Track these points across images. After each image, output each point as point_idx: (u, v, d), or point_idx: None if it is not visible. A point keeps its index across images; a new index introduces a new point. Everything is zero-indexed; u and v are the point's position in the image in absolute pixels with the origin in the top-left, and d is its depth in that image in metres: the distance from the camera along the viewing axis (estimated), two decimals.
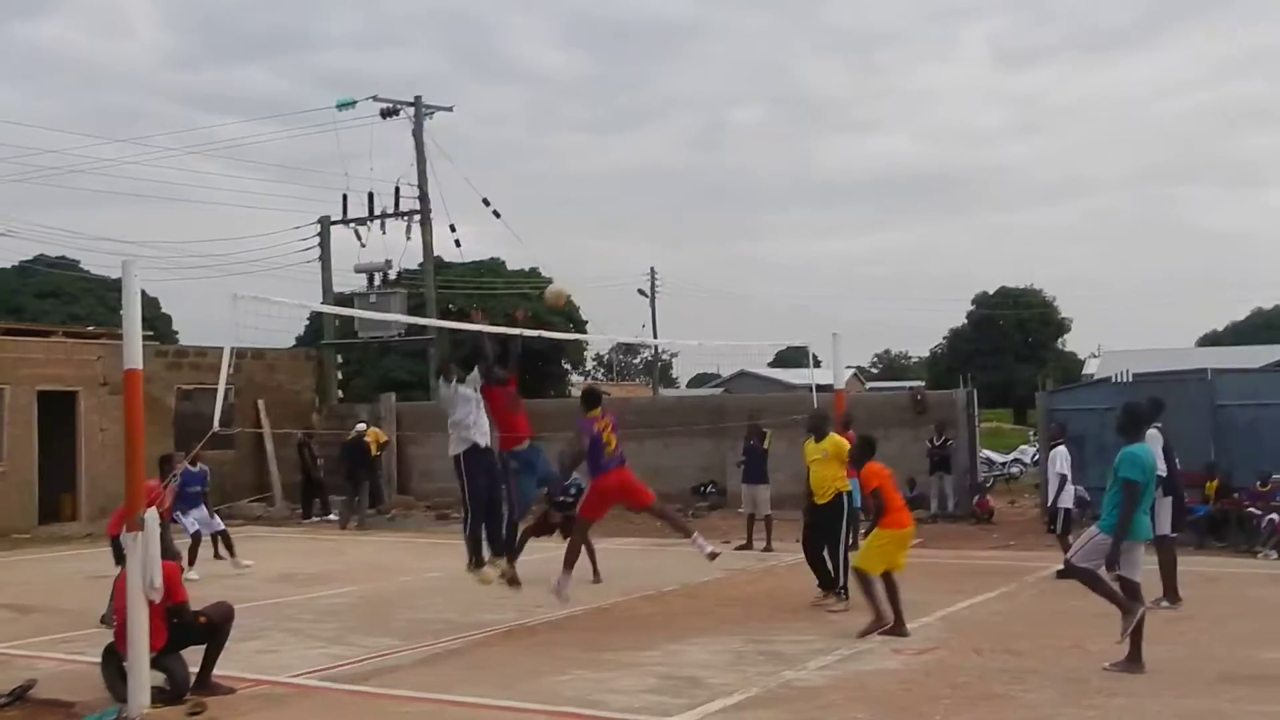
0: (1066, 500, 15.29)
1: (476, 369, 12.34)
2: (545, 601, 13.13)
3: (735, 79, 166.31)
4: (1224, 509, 18.14)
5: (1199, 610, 12.00)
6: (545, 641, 11.15)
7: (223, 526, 17.07)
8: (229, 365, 9.73)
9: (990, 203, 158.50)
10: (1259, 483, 18.12)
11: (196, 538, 16.22)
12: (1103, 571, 9.30)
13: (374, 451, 24.73)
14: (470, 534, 12.25)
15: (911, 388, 35.73)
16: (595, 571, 14.59)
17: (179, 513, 15.59)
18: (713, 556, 11.88)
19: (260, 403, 27.63)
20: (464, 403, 12.02)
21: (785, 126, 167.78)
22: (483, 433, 12.09)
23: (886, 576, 11.04)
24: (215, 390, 9.95)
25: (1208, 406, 20.52)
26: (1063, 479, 15.28)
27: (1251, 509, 17.63)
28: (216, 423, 10.46)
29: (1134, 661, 9.24)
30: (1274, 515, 17.21)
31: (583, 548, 13.17)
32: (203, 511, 16.53)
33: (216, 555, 16.72)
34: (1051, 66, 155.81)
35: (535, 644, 11.04)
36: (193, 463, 16.11)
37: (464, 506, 12.45)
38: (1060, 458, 15.43)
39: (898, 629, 10.86)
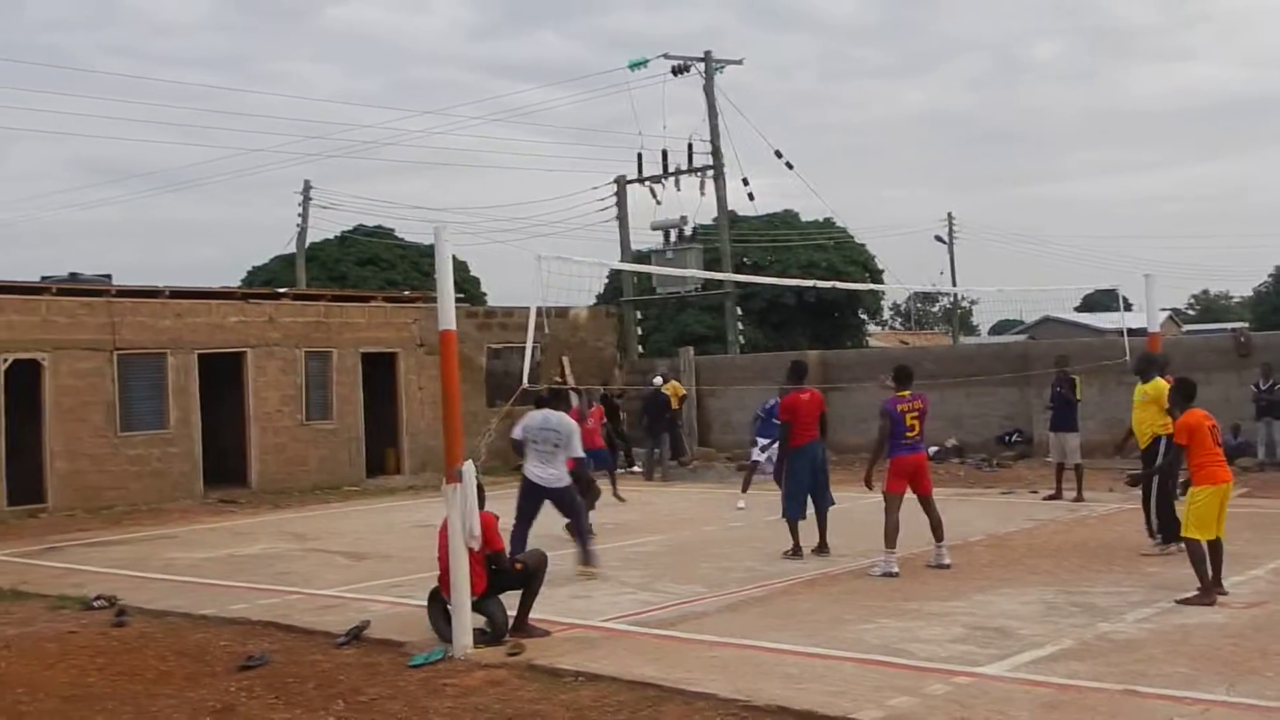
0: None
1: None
2: (849, 550, 13.14)
3: (1031, 14, 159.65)
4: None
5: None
6: (850, 590, 11.14)
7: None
8: (535, 324, 10.06)
9: None
10: None
11: (754, 466, 18.60)
12: None
13: (674, 405, 25.16)
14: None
15: (1234, 329, 33.61)
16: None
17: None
18: (890, 575, 11.70)
19: (565, 359, 28.55)
20: None
21: (1086, 61, 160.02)
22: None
23: (1213, 542, 10.13)
24: (523, 348, 10.36)
25: None
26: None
27: None
28: (526, 379, 10.92)
29: None
30: None
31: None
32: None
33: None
34: None
35: (840, 593, 11.04)
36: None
37: None
38: None
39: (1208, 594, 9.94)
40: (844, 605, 10.38)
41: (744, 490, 18.05)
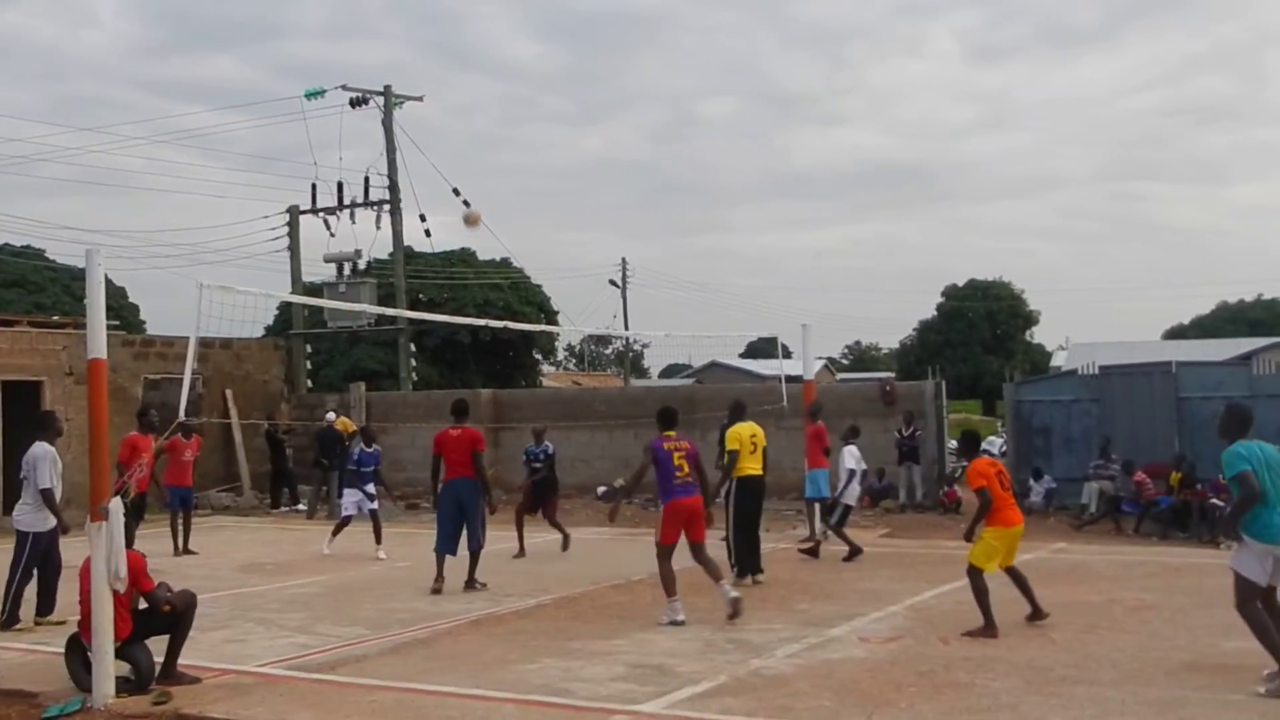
0: (850, 498, 16.06)
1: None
2: (515, 590, 13.20)
3: (705, 72, 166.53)
4: (1187, 500, 18.30)
5: (1162, 600, 12.12)
6: (513, 630, 11.16)
7: (375, 507, 17.34)
8: (194, 355, 9.66)
9: (959, 197, 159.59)
10: (1221, 475, 18.28)
11: (346, 520, 17.20)
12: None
13: (345, 441, 24.59)
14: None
15: (881, 379, 35.84)
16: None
17: (344, 489, 17.27)
18: (734, 604, 11.13)
19: (228, 392, 27.48)
20: None
21: (754, 120, 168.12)
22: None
23: (1011, 571, 11.07)
24: (182, 380, 9.91)
25: (1172, 399, 20.72)
26: (850, 474, 15.88)
27: (1214, 500, 17.79)
28: (183, 412, 10.45)
29: None
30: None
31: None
32: (359, 495, 17.13)
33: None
34: (1019, 63, 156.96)
35: (504, 633, 11.04)
36: (368, 443, 17.75)
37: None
38: (850, 455, 15.99)
39: (1038, 615, 10.97)
40: (508, 645, 10.38)
41: (330, 539, 17.20)
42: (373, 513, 17.05)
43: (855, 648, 10.04)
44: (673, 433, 11.76)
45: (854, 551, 15.35)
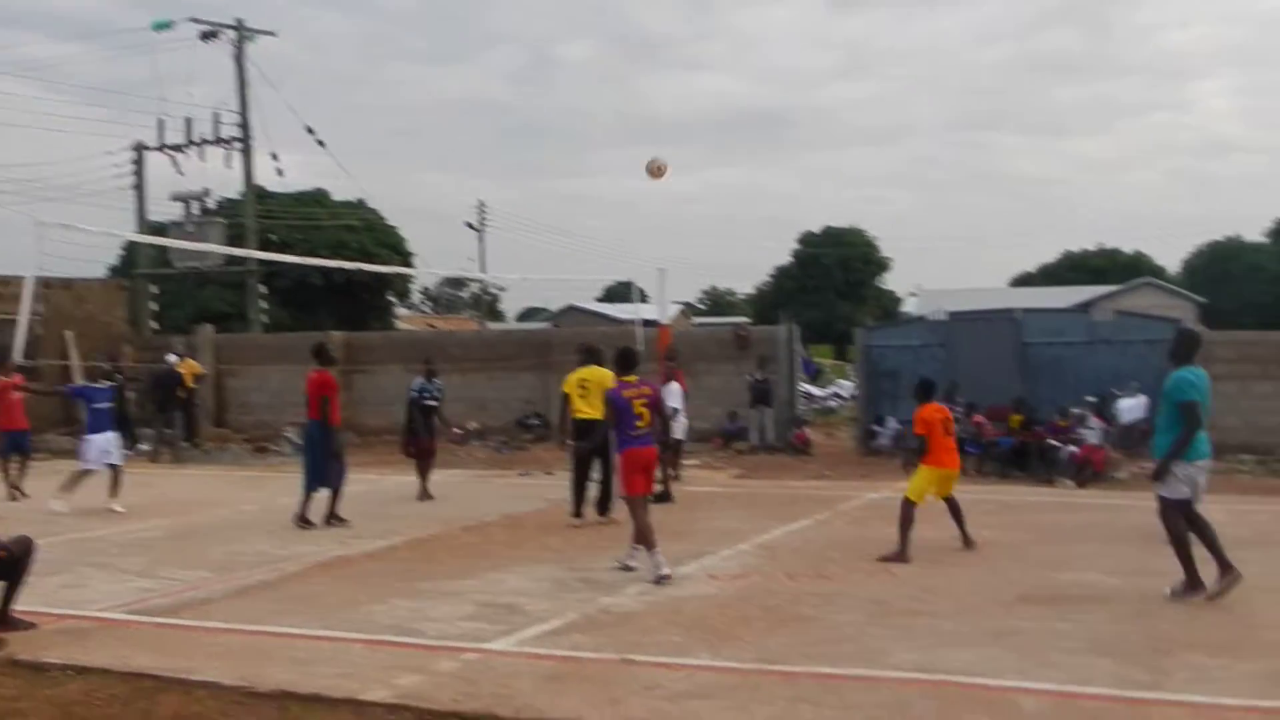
0: (678, 431, 16.56)
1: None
2: (365, 532, 13.08)
3: (564, 15, 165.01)
4: (1025, 441, 18.91)
5: (1000, 536, 12.52)
6: (363, 572, 11.05)
7: (119, 461, 15.66)
8: (32, 295, 9.30)
9: (817, 144, 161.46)
10: (1059, 416, 18.95)
11: (86, 473, 15.31)
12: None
13: (189, 384, 24.00)
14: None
15: (735, 323, 36.22)
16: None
17: (84, 438, 15.31)
18: (661, 580, 10.21)
19: (68, 334, 26.57)
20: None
21: (614, 64, 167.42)
22: None
23: (950, 500, 11.93)
24: (17, 321, 9.55)
25: (1015, 344, 21.33)
26: (674, 411, 16.18)
27: (1052, 441, 18.43)
28: (19, 354, 10.05)
29: (1194, 585, 9.25)
30: (1072, 447, 18.04)
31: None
32: (108, 438, 15.37)
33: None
34: (879, 9, 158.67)
35: (353, 575, 10.93)
36: (103, 376, 16.13)
37: None
38: (672, 393, 16.36)
39: (969, 545, 11.76)
40: (357, 587, 10.28)
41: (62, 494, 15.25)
42: (113, 466, 15.43)
43: (704, 585, 10.18)
44: (633, 377, 11.13)
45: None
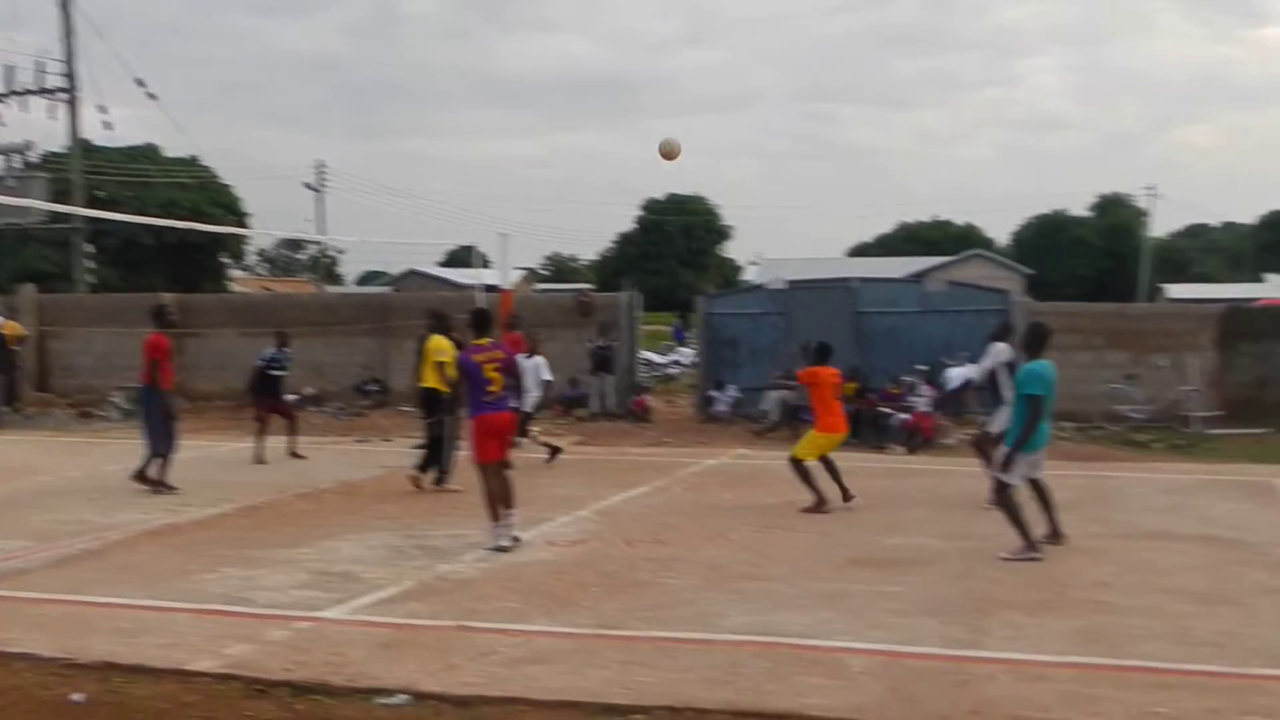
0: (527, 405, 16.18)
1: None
2: (196, 499, 12.76)
3: None
4: (859, 409, 19.32)
5: (833, 501, 12.79)
6: (192, 540, 10.76)
7: None
8: None
9: (662, 111, 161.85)
10: (891, 384, 19.42)
11: None
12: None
13: (11, 345, 23.00)
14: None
15: (578, 290, 36.23)
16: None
17: None
18: (502, 550, 10.08)
19: None
20: None
21: (460, 21, 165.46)
22: None
23: (827, 460, 12.45)
24: None
25: (851, 313, 21.75)
26: (547, 384, 16.65)
27: (884, 409, 18.88)
28: None
29: (1029, 547, 9.85)
30: (903, 415, 18.52)
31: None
32: None
33: None
34: None
35: (182, 543, 10.64)
36: None
37: None
38: (534, 367, 16.35)
39: (849, 499, 12.29)
40: (187, 555, 10.02)
41: None
42: None
43: (542, 551, 10.18)
44: (486, 339, 10.64)
45: (554, 451, 15.92)
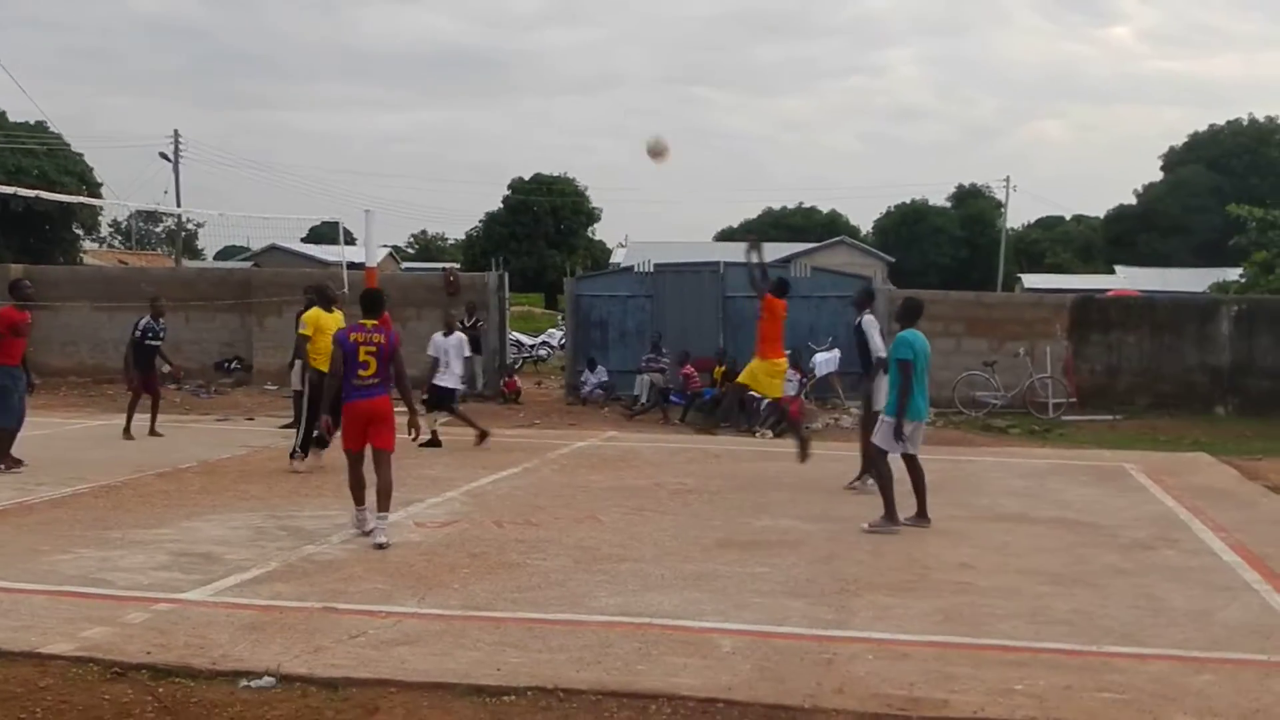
0: (449, 381, 16.27)
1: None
2: (49, 478, 12.36)
3: None
4: (726, 392, 19.51)
5: (702, 484, 12.92)
6: (46, 520, 10.42)
7: None
8: None
9: (528, 89, 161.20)
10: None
11: None
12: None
13: None
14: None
15: (444, 268, 35.87)
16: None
17: None
18: (381, 547, 9.36)
19: None
20: None
21: None
22: None
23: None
24: None
25: (718, 297, 21.95)
26: (435, 361, 16.23)
27: (752, 393, 19.05)
28: None
29: (891, 519, 10.52)
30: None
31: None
32: None
33: None
34: None
35: (35, 523, 10.29)
36: None
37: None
38: (457, 344, 16.40)
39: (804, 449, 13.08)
40: (40, 536, 9.69)
41: None
42: None
43: (411, 533, 10.08)
44: (371, 321, 9.96)
45: (482, 435, 15.87)
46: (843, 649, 6.92)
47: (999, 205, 75.99)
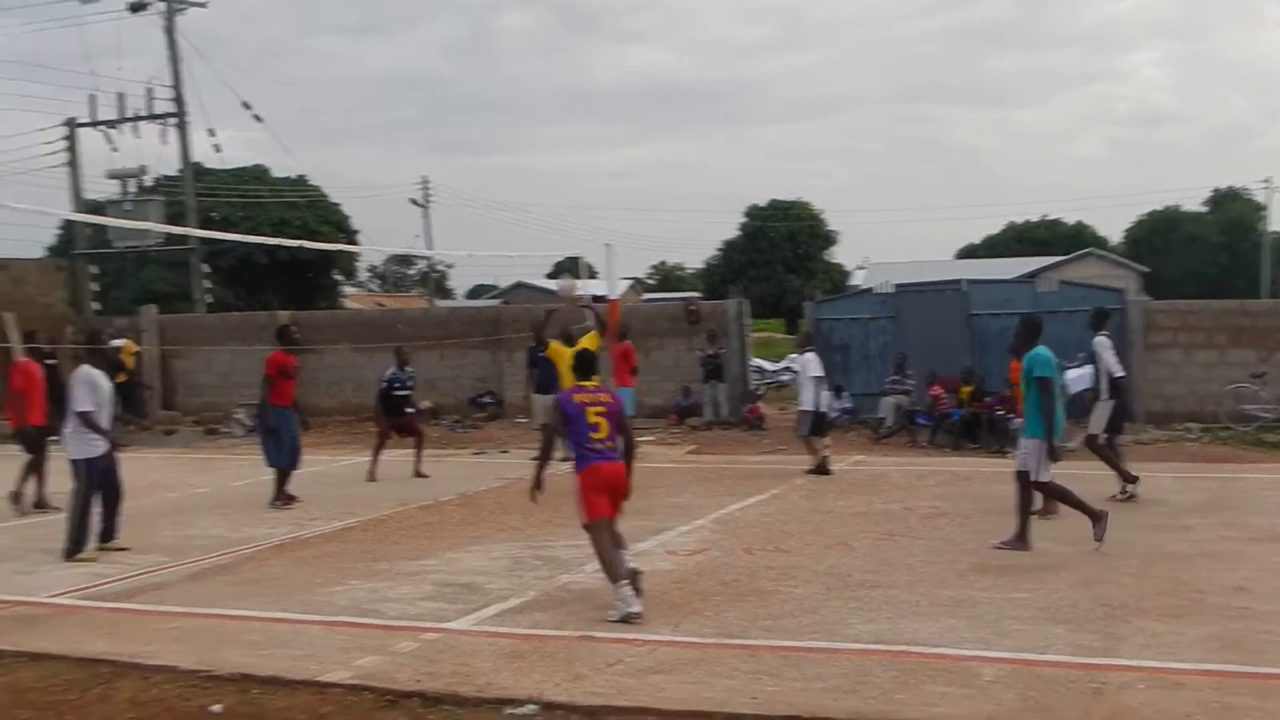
0: (821, 404, 15.95)
1: None
2: (320, 514, 13.01)
3: None
4: (976, 412, 19.07)
5: (953, 507, 12.65)
6: (320, 554, 10.98)
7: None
8: None
9: (752, 118, 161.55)
10: (1008, 387, 19.09)
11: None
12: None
13: (129, 364, 23.60)
14: None
15: (686, 298, 36.23)
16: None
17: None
18: (628, 619, 8.17)
19: (7, 316, 26.12)
20: None
21: (556, 34, 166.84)
22: None
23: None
24: None
25: (962, 315, 21.49)
26: (818, 380, 15.84)
27: (1001, 412, 18.58)
28: None
29: (1023, 540, 10.46)
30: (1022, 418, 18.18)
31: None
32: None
33: None
34: None
35: (309, 557, 10.86)
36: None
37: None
38: (812, 363, 16.01)
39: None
40: (314, 569, 10.22)
41: None
42: None
43: (663, 560, 10.20)
44: (590, 383, 9.22)
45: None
46: (1112, 678, 6.66)
47: (1260, 208, 71.84)
